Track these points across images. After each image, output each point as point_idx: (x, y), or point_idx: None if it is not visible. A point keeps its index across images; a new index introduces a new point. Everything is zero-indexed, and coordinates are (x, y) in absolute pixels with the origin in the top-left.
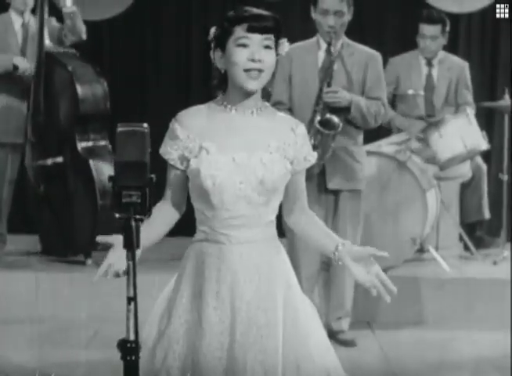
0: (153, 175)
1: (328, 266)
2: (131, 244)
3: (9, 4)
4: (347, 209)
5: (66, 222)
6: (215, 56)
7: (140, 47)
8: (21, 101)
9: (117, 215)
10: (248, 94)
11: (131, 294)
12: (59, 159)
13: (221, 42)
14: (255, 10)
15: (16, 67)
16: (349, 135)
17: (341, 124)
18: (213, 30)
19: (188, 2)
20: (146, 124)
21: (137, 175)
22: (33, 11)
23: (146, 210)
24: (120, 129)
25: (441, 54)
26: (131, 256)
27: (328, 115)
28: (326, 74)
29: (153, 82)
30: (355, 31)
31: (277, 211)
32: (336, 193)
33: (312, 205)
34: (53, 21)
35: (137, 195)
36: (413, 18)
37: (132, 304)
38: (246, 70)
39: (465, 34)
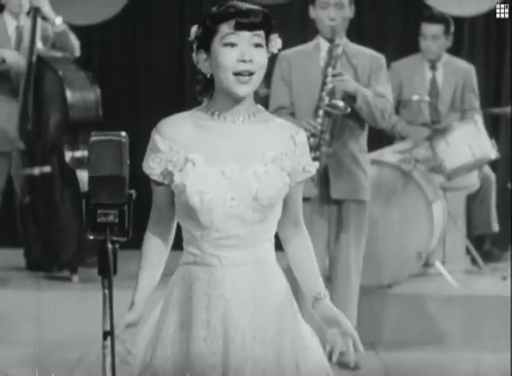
0: (132, 191)
1: (328, 280)
2: (107, 270)
3: (4, 6)
4: (351, 221)
5: (51, 235)
6: (199, 58)
7: (132, 52)
8: (10, 107)
9: (90, 237)
10: (238, 99)
11: (108, 327)
12: (47, 169)
13: (205, 43)
14: (241, 4)
15: (3, 61)
16: (354, 138)
17: (349, 107)
18: (194, 29)
19: (181, 5)
20: (123, 133)
21: (114, 192)
22: (29, 13)
23: (124, 231)
24: (93, 138)
25: (446, 57)
26: (107, 284)
27: (334, 101)
28: (330, 58)
29: (145, 88)
30: (354, 35)
31: (275, 229)
32: (339, 203)
33: (314, 216)
34: (49, 26)
35: (114, 214)
36: (414, 21)
37: (109, 339)
38: (236, 74)
39: (469, 39)
